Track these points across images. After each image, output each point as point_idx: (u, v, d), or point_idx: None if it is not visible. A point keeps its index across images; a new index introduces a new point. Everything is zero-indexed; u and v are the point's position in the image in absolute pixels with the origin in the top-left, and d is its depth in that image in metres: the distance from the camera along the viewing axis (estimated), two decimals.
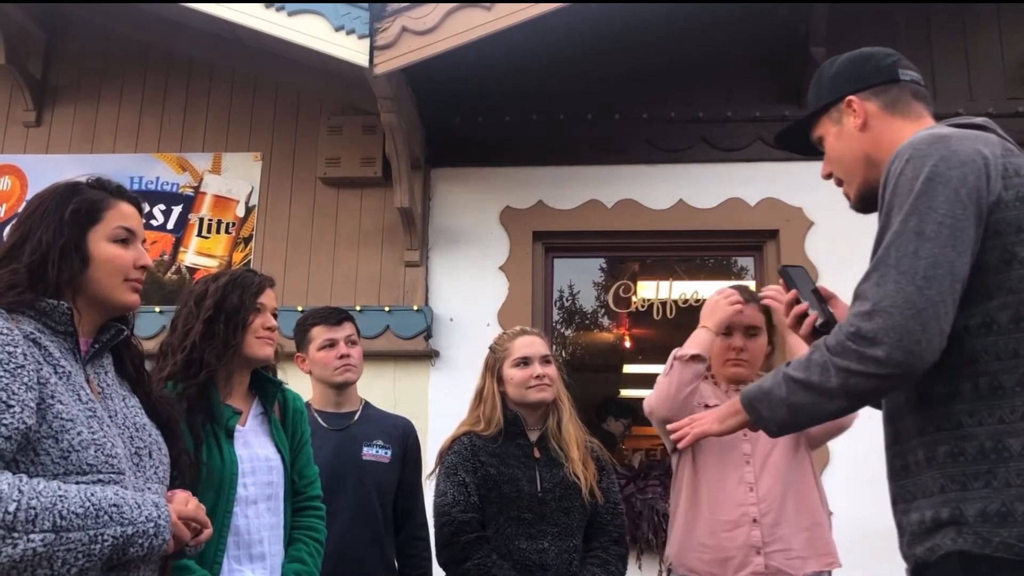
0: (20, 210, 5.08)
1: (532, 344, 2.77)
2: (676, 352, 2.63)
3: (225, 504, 2.16)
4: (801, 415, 1.58)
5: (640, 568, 4.07)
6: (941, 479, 1.46)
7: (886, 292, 1.44)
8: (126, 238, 1.73)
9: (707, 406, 2.71)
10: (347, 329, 3.04)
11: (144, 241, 1.80)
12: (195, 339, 2.23)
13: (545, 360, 2.75)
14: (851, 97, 1.73)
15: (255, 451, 2.29)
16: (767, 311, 2.78)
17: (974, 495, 1.41)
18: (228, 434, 2.23)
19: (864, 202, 1.77)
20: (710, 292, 2.88)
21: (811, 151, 1.88)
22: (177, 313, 2.33)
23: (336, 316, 3.06)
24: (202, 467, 2.12)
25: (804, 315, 1.84)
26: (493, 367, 2.79)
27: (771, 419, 1.63)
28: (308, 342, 3.02)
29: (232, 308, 2.27)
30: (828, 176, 1.83)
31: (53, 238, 1.64)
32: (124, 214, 1.74)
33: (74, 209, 1.68)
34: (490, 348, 2.86)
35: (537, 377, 2.71)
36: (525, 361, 2.74)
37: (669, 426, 2.23)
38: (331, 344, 2.99)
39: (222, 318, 2.25)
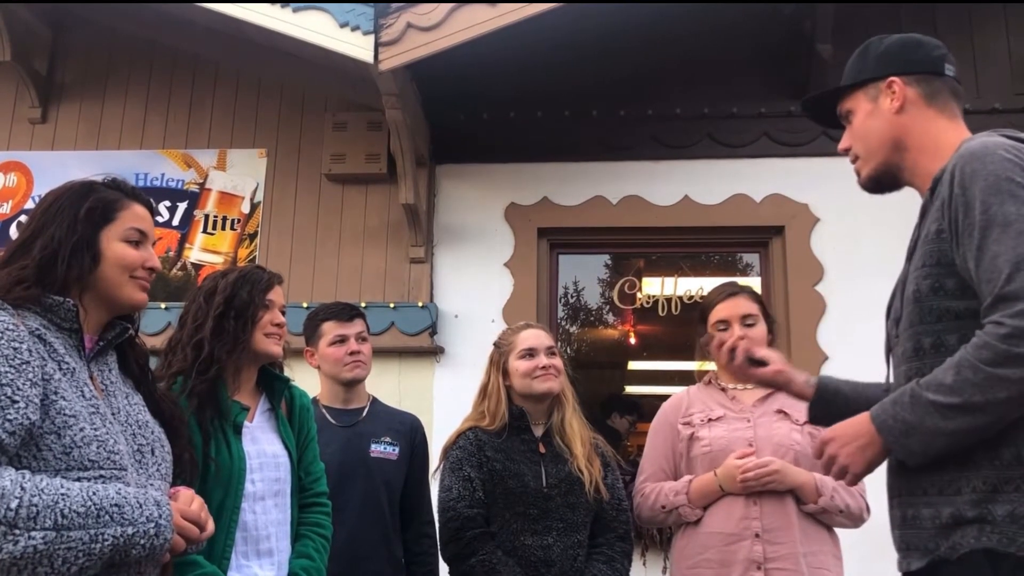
0: (29, 206, 5.05)
1: (538, 336, 2.77)
2: (677, 504, 2.66)
3: (233, 500, 2.16)
4: (964, 440, 1.47)
5: (645, 565, 4.06)
6: (974, 480, 1.46)
7: None
8: (138, 240, 1.74)
9: (710, 419, 2.70)
10: (358, 325, 3.04)
11: (155, 243, 1.81)
12: (205, 335, 2.23)
13: (551, 351, 2.74)
14: (894, 78, 1.73)
15: (263, 447, 2.29)
16: (761, 301, 2.78)
17: (1004, 498, 1.42)
18: (236, 430, 2.24)
19: (876, 183, 1.77)
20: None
21: (832, 122, 1.87)
22: (186, 309, 2.34)
23: (348, 312, 3.06)
24: (210, 463, 2.13)
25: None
26: (498, 362, 2.78)
27: (925, 452, 1.52)
28: (319, 337, 3.02)
29: (242, 304, 2.27)
30: (846, 150, 1.82)
31: (66, 235, 1.65)
32: (138, 215, 1.76)
33: (89, 208, 1.69)
34: (494, 344, 2.85)
35: (543, 368, 2.69)
36: (531, 352, 2.72)
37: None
38: (342, 340, 2.99)
39: (232, 314, 2.26)
